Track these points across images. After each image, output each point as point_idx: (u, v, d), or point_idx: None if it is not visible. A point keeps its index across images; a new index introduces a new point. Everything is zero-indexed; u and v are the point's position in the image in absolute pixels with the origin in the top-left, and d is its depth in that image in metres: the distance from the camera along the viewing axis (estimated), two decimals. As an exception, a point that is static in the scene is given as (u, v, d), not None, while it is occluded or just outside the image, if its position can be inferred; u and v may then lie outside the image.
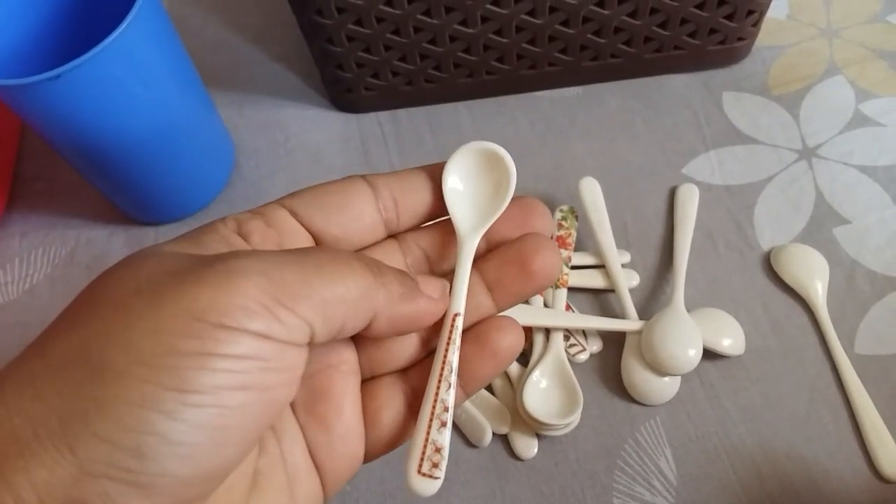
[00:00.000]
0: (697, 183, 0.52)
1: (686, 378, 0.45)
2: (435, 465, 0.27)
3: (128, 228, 0.55)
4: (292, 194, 0.28)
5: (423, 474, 0.27)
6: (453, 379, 0.27)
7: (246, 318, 0.21)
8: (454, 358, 0.27)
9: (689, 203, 0.51)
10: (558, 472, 0.43)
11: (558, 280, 0.47)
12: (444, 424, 0.27)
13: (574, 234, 0.49)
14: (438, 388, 0.27)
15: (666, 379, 0.44)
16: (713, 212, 0.51)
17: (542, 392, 0.43)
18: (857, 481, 0.42)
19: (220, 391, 0.21)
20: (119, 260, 0.25)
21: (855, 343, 0.46)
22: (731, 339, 0.45)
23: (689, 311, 0.46)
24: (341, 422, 0.27)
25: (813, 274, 0.48)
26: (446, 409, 0.27)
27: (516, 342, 0.28)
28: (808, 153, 0.53)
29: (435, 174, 0.30)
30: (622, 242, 0.50)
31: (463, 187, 0.30)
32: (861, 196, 0.51)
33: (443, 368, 0.27)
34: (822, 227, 0.50)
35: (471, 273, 0.28)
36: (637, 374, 0.45)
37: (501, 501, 0.43)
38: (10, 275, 0.54)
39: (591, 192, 0.50)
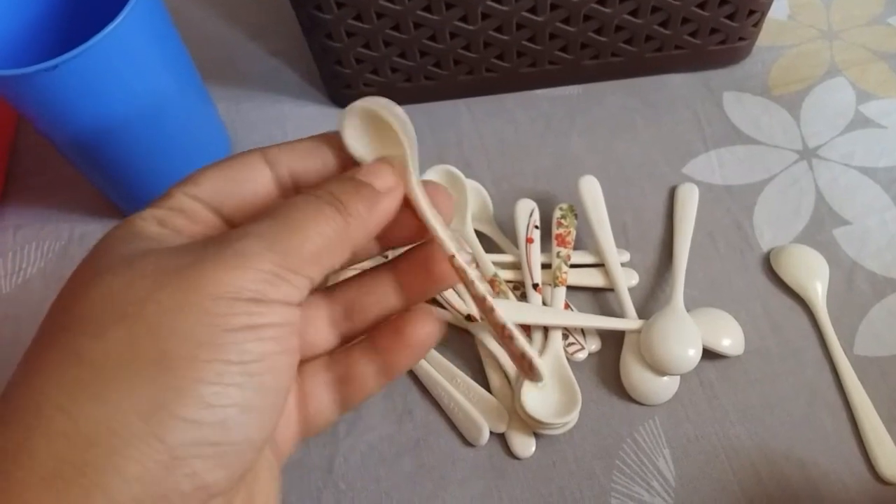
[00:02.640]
0: (697, 183, 0.52)
1: (685, 378, 0.45)
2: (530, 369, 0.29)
3: (121, 222, 0.54)
4: (192, 180, 0.29)
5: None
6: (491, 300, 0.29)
7: (272, 290, 0.24)
8: (483, 288, 0.29)
9: (689, 202, 0.50)
10: (556, 472, 0.43)
11: (557, 278, 0.47)
12: (510, 337, 0.29)
13: (573, 232, 0.49)
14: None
15: (665, 379, 0.44)
16: (713, 212, 0.51)
17: (540, 391, 0.43)
18: (856, 483, 0.42)
19: (272, 356, 0.24)
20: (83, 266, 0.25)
21: (854, 344, 0.46)
22: (730, 339, 0.45)
23: (688, 310, 0.46)
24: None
25: (813, 275, 0.47)
26: (505, 329, 0.29)
27: (432, 333, 0.30)
28: (808, 154, 0.53)
29: (333, 142, 0.30)
30: (622, 241, 0.50)
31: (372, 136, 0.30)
32: (861, 197, 0.51)
33: (483, 301, 0.29)
34: (822, 227, 0.50)
35: (385, 270, 0.31)
36: (636, 374, 0.44)
37: (499, 501, 0.43)
38: (3, 269, 0.53)
39: (591, 191, 0.50)
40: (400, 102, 0.57)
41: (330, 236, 0.26)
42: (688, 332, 0.44)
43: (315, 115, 0.58)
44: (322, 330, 0.31)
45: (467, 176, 0.49)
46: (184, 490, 0.22)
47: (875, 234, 0.49)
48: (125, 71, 0.43)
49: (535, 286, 0.47)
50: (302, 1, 0.49)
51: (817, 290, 0.47)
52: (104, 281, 0.24)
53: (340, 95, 0.58)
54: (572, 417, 0.43)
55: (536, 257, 0.48)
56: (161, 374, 0.22)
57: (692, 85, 0.57)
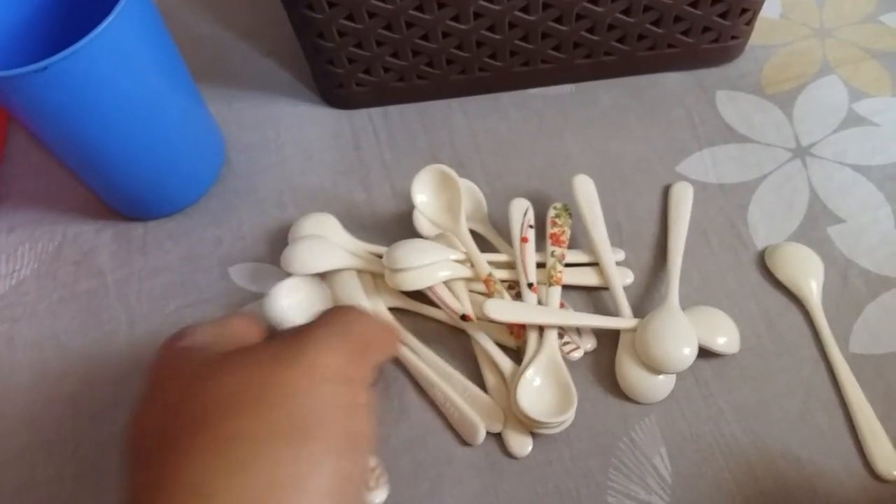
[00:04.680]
0: (691, 181, 0.52)
1: (681, 376, 0.45)
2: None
3: (116, 224, 0.54)
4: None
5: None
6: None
7: (354, 370, 0.30)
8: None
9: (684, 201, 0.50)
10: (553, 471, 0.43)
11: (552, 277, 0.47)
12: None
13: (567, 231, 0.49)
14: None
15: (660, 377, 0.44)
16: (707, 210, 0.51)
17: (535, 390, 0.43)
18: (852, 480, 0.42)
19: (369, 428, 0.30)
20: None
21: (849, 342, 0.46)
22: (725, 338, 0.45)
23: (683, 309, 0.46)
24: None
25: (807, 273, 0.47)
26: None
27: None
28: (801, 152, 0.53)
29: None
30: (616, 240, 0.50)
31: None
32: (855, 195, 0.51)
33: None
34: (816, 225, 0.50)
35: None
36: (631, 373, 0.44)
37: (495, 500, 0.42)
38: (-5, 271, 0.53)
39: (585, 190, 0.49)
40: (393, 102, 0.58)
41: (374, 329, 0.33)
42: (683, 331, 0.44)
43: (308, 115, 0.58)
44: None
45: (461, 175, 0.49)
46: None
47: (869, 231, 0.49)
48: (116, 72, 0.42)
49: (530, 285, 0.46)
50: (293, 1, 0.49)
51: (812, 288, 0.47)
52: (222, 375, 0.28)
53: (333, 95, 0.58)
54: (568, 417, 0.42)
55: (531, 256, 0.48)
56: (297, 447, 0.25)
57: (685, 83, 0.57)
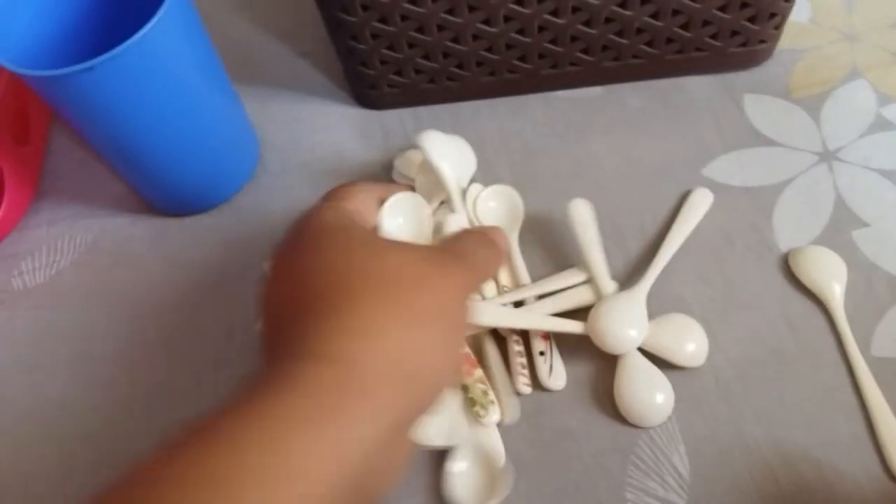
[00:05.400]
0: (717, 184, 0.52)
1: (701, 377, 0.45)
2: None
3: (151, 219, 0.56)
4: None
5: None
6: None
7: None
8: None
9: (699, 206, 0.50)
10: (572, 467, 0.44)
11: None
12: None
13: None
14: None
15: (658, 399, 0.44)
16: (731, 213, 0.51)
17: (461, 476, 0.43)
18: (872, 484, 0.42)
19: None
20: None
21: (871, 346, 0.46)
22: (693, 346, 0.45)
23: (703, 316, 0.46)
24: None
25: (831, 276, 0.48)
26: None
27: None
28: (828, 156, 0.53)
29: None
30: (639, 243, 0.50)
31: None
32: (881, 200, 0.51)
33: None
34: (840, 229, 0.50)
35: None
36: (628, 395, 0.44)
37: (514, 495, 0.43)
38: (37, 261, 0.55)
39: (578, 213, 0.49)
40: (423, 103, 0.59)
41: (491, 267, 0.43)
42: (635, 314, 0.45)
43: (340, 115, 0.59)
44: None
45: (491, 179, 0.50)
46: None
47: (894, 236, 0.49)
48: (158, 72, 0.44)
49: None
50: (328, 3, 0.50)
51: (835, 291, 0.47)
52: (385, 256, 0.35)
53: (365, 96, 0.59)
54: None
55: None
56: (440, 320, 0.34)
57: (712, 87, 0.57)
